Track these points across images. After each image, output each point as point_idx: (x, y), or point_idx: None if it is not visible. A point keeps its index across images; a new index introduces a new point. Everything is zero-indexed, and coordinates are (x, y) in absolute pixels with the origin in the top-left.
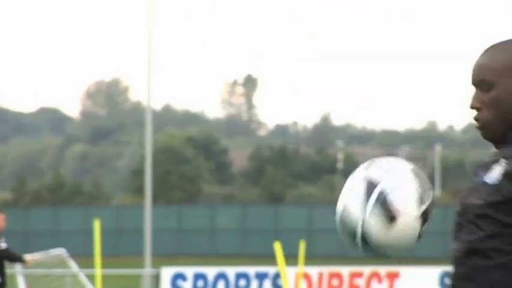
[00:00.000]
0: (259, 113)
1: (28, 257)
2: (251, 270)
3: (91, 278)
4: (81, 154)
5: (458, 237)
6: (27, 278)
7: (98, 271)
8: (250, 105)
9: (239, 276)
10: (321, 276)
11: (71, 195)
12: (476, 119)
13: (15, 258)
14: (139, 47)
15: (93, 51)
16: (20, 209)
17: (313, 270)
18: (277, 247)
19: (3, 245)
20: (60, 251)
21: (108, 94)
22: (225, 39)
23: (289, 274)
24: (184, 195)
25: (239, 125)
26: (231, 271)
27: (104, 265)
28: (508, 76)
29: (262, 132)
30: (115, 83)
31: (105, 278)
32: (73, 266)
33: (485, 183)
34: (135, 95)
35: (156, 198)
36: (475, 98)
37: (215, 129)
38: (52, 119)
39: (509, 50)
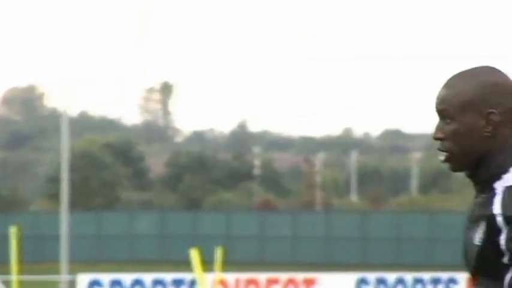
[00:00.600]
0: (175, 120)
1: None
2: (168, 276)
3: (8, 284)
4: None
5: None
6: None
7: (15, 277)
8: (166, 112)
9: (156, 282)
10: (238, 282)
11: None
12: (441, 150)
13: None
14: (55, 53)
15: (9, 57)
16: None
17: (231, 277)
18: (195, 254)
19: None
20: None
21: (25, 100)
22: (142, 46)
23: (207, 280)
24: (103, 201)
25: (156, 131)
26: (148, 278)
27: (22, 271)
28: (468, 111)
29: (179, 139)
30: (31, 89)
31: (22, 284)
32: None
33: (475, 245)
34: (52, 101)
35: (74, 205)
36: (438, 128)
37: (133, 136)
38: None
39: (470, 84)
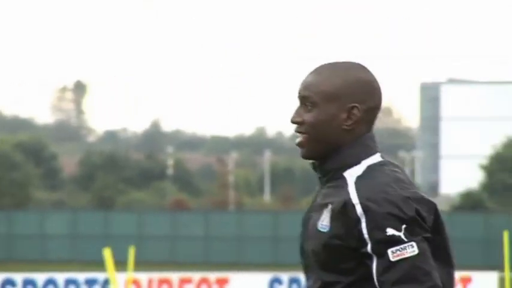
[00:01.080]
0: (88, 119)
1: None
2: (81, 276)
3: None
4: None
5: (311, 276)
6: None
7: None
8: (79, 111)
9: (69, 282)
10: (150, 282)
11: None
12: (298, 132)
13: None
14: None
15: None
16: None
17: (143, 276)
18: (107, 253)
19: None
20: None
21: None
22: (55, 43)
23: (119, 280)
24: (14, 201)
25: (69, 131)
26: (60, 277)
27: None
28: (333, 101)
29: (92, 138)
30: None
31: None
32: None
33: (319, 231)
34: None
35: None
36: (298, 112)
37: (44, 135)
38: None
39: (340, 76)
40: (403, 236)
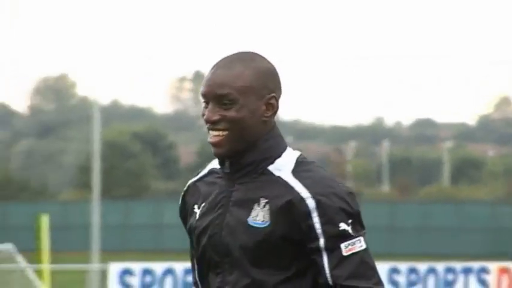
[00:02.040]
0: None
1: None
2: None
3: (39, 273)
4: (28, 149)
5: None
6: None
7: (45, 266)
8: (197, 101)
9: (187, 271)
10: None
11: (19, 191)
12: (215, 131)
13: None
14: (87, 42)
15: (41, 47)
16: None
17: None
18: None
19: None
20: (8, 246)
21: (56, 89)
22: (174, 34)
23: None
24: (131, 190)
25: (186, 121)
26: (178, 266)
27: (51, 260)
28: (252, 94)
29: None
30: (62, 78)
31: (52, 273)
32: (21, 261)
33: (251, 227)
34: (83, 90)
35: (102, 194)
36: (212, 111)
37: (162, 125)
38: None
39: (251, 68)
40: (351, 231)
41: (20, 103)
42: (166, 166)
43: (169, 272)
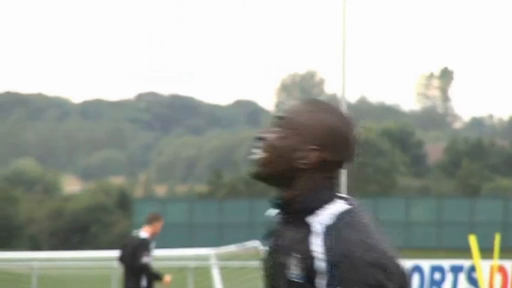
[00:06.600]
0: (454, 106)
1: (167, 277)
2: (446, 263)
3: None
4: None
5: None
6: (222, 270)
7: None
8: (446, 98)
9: (434, 269)
10: None
11: (267, 188)
12: (256, 148)
13: (154, 277)
14: (333, 40)
15: (288, 44)
16: (216, 201)
17: (508, 264)
18: (472, 240)
19: (146, 259)
20: (256, 243)
21: (303, 87)
22: (420, 31)
23: (484, 267)
24: (380, 187)
25: (434, 118)
26: (425, 264)
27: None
28: (298, 134)
29: (457, 125)
30: (310, 75)
31: None
32: None
33: (293, 282)
34: (330, 87)
35: (351, 191)
36: (267, 130)
37: (410, 122)
38: (248, 111)
39: (319, 117)
40: None
41: (268, 100)
42: (415, 163)
43: (417, 269)
